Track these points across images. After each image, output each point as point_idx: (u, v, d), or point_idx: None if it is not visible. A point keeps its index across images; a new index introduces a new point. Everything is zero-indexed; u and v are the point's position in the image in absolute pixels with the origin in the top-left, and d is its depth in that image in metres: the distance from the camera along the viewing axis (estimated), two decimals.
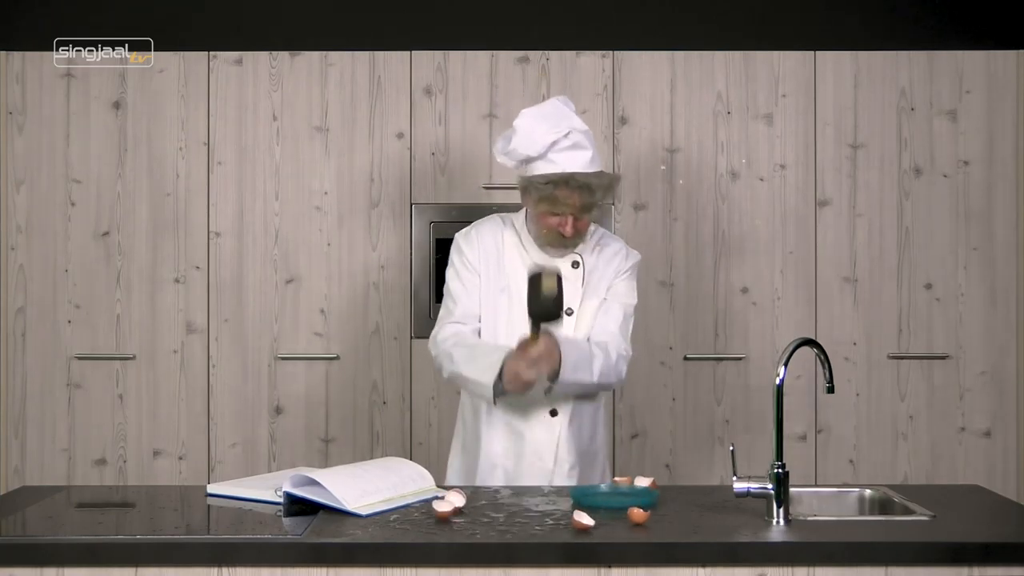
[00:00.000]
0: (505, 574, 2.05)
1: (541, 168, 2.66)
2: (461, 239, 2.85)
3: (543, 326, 2.56)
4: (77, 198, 4.04)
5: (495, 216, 2.89)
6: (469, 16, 4.32)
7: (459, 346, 2.72)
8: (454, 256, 2.85)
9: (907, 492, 2.56)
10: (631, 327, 2.84)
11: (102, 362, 4.04)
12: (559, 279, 2.52)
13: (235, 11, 4.32)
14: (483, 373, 2.63)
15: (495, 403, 2.68)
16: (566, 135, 2.65)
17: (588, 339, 2.75)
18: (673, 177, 4.06)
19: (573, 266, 2.79)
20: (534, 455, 2.76)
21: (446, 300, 2.84)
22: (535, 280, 2.52)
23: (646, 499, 2.37)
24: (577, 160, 2.66)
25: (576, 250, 2.79)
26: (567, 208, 2.67)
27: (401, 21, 4.32)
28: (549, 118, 2.68)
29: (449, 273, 2.84)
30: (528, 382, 2.57)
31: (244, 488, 2.48)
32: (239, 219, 4.05)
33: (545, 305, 2.53)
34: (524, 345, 2.56)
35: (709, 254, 4.06)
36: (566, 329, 2.73)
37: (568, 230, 2.70)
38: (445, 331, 2.77)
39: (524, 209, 2.84)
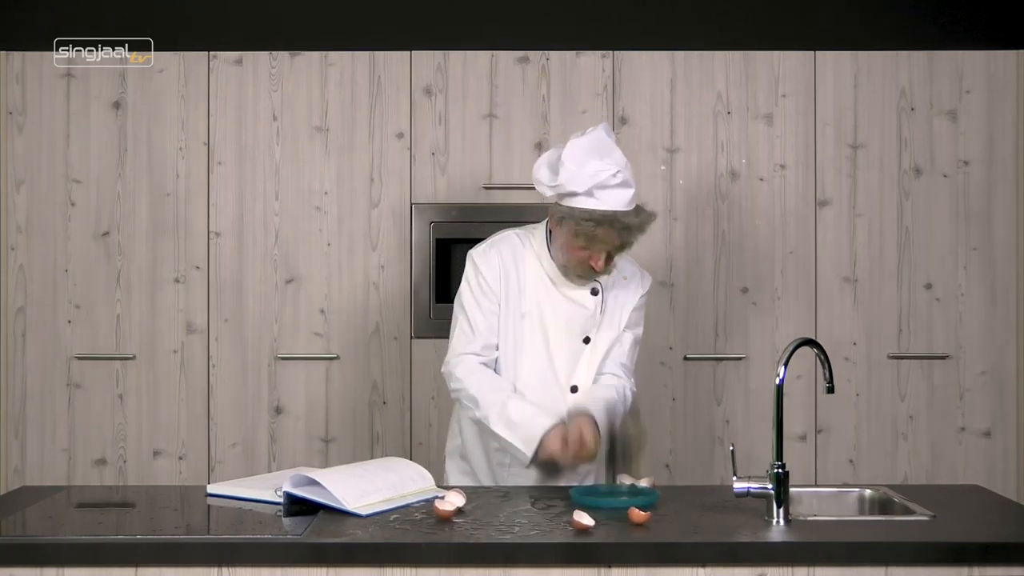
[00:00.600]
0: (505, 574, 2.05)
1: (584, 203, 2.60)
2: (478, 258, 2.77)
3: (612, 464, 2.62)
4: (77, 198, 4.04)
5: (510, 233, 2.83)
6: (469, 16, 4.32)
7: (485, 390, 2.67)
8: (471, 276, 2.77)
9: (907, 492, 2.56)
10: (637, 355, 2.88)
11: (102, 362, 4.04)
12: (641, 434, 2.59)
13: (235, 11, 4.32)
14: (522, 444, 2.61)
15: (528, 467, 2.69)
16: (614, 174, 2.59)
17: (608, 371, 2.81)
18: (673, 177, 4.06)
19: (592, 293, 2.77)
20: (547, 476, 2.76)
21: (462, 323, 2.76)
22: (616, 437, 2.59)
23: (646, 499, 2.37)
24: (622, 199, 2.61)
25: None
26: (604, 246, 2.64)
27: (401, 21, 4.32)
28: (596, 152, 2.61)
29: (465, 294, 2.76)
30: (565, 467, 2.63)
31: (244, 488, 2.48)
32: (239, 219, 4.05)
33: (624, 464, 2.58)
34: (577, 452, 2.57)
35: (709, 254, 4.06)
36: (583, 357, 2.77)
37: (600, 265, 2.67)
38: (465, 366, 2.71)
39: (542, 227, 2.79)
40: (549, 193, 2.67)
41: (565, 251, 2.69)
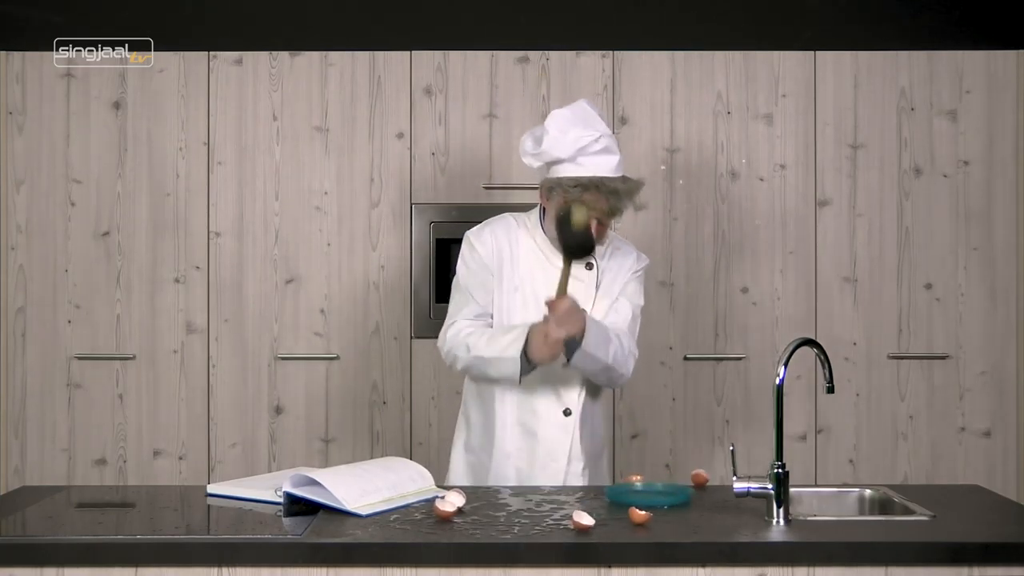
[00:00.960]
0: (505, 574, 2.05)
1: (569, 171, 2.65)
2: (473, 236, 2.82)
3: (575, 262, 2.62)
4: (77, 198, 4.04)
5: (507, 215, 2.87)
6: (469, 16, 4.32)
7: (474, 335, 2.71)
8: (466, 253, 2.81)
9: (907, 492, 2.56)
10: (639, 328, 2.86)
11: (102, 362, 4.04)
12: (587, 212, 2.57)
13: (235, 11, 4.32)
14: (507, 348, 2.63)
15: (520, 382, 2.66)
16: (596, 139, 2.64)
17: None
18: (673, 177, 4.06)
19: (587, 267, 2.79)
20: (548, 455, 2.76)
21: (456, 297, 2.82)
22: (565, 216, 2.58)
23: (681, 497, 2.39)
24: (606, 164, 2.65)
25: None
26: (594, 212, 2.65)
27: (401, 21, 4.32)
28: (579, 121, 2.66)
29: (460, 270, 2.82)
30: (557, 341, 2.56)
31: (244, 488, 2.48)
32: (239, 219, 4.05)
33: (579, 237, 2.58)
34: (551, 303, 2.56)
35: (709, 254, 4.06)
36: None
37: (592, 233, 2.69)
38: (456, 327, 2.77)
39: (537, 209, 2.83)
40: (535, 164, 2.72)
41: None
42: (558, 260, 2.77)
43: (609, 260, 2.83)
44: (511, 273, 2.78)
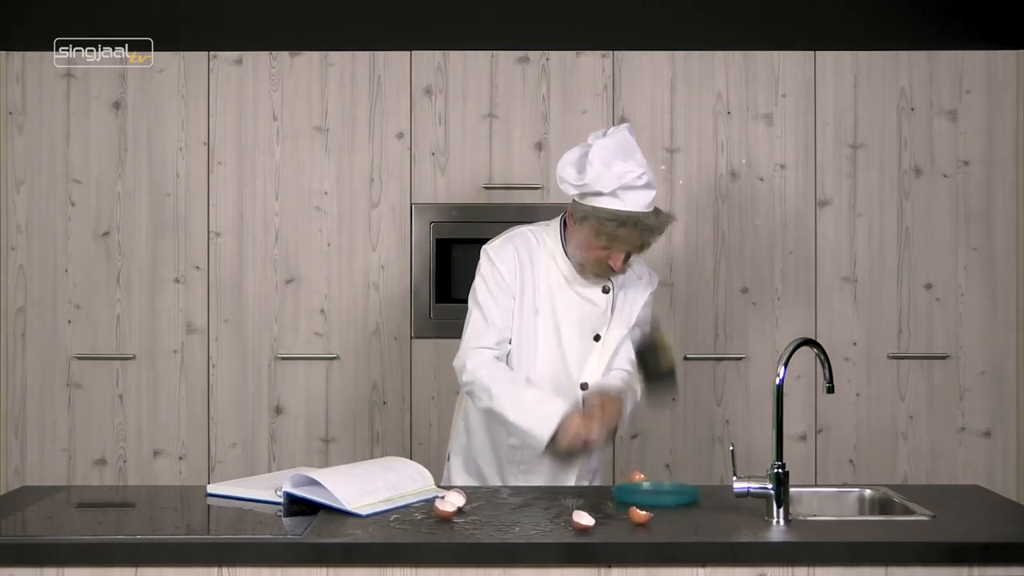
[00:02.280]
0: (505, 574, 2.05)
1: (607, 203, 2.61)
2: (493, 253, 2.77)
3: (657, 393, 2.68)
4: (77, 198, 4.04)
5: (525, 230, 2.83)
6: (469, 16, 4.32)
7: (499, 381, 2.64)
8: (486, 270, 2.76)
9: (907, 492, 2.56)
10: None
11: (102, 362, 4.04)
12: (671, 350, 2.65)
13: (235, 11, 4.32)
14: (538, 424, 2.57)
15: (541, 456, 2.64)
16: (639, 176, 2.61)
17: (617, 367, 2.80)
18: (673, 177, 4.06)
19: (603, 291, 2.77)
20: (558, 466, 2.75)
21: (476, 317, 2.75)
22: (651, 350, 2.65)
23: (690, 497, 2.39)
24: (644, 200, 2.63)
25: None
26: (625, 246, 2.65)
27: (401, 21, 4.32)
28: (622, 153, 2.62)
29: (479, 287, 2.76)
30: (592, 444, 2.57)
31: (244, 488, 2.48)
32: (239, 219, 4.05)
33: (667, 379, 2.67)
34: (599, 404, 2.57)
35: (709, 254, 4.06)
36: (594, 354, 2.76)
37: (619, 265, 2.68)
38: (478, 358, 2.69)
39: (556, 225, 2.80)
40: (573, 192, 2.67)
41: (584, 250, 2.70)
42: (578, 284, 2.75)
43: (624, 280, 2.81)
44: (532, 296, 2.75)
